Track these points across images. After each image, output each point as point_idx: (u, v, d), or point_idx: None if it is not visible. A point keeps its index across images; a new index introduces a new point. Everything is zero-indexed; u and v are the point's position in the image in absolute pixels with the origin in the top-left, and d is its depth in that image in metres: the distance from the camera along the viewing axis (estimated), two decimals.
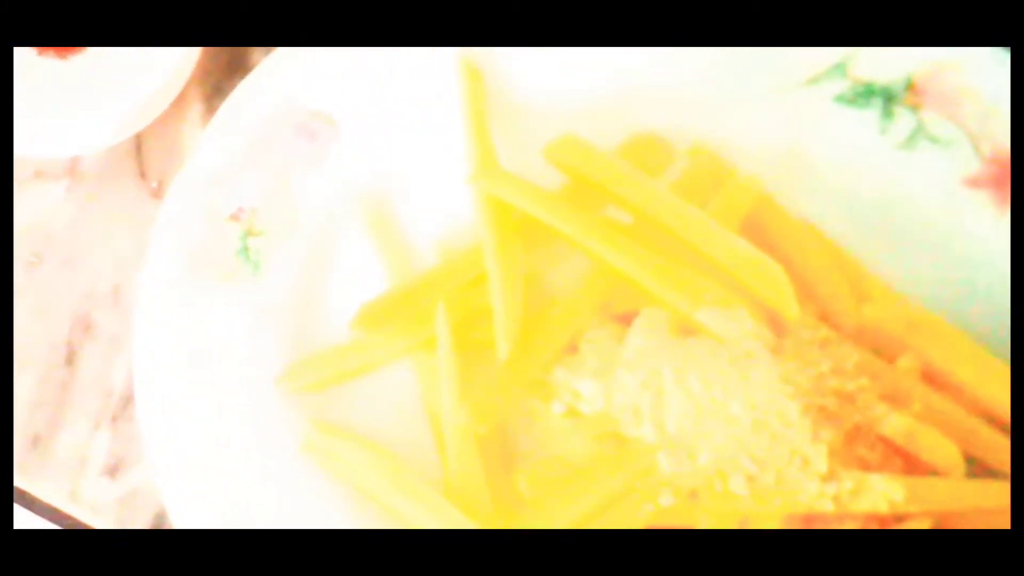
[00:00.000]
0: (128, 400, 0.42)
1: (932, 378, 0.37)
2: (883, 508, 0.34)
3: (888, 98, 0.39)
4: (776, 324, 0.37)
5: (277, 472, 0.38)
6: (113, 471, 0.42)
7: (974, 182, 0.38)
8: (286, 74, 0.41)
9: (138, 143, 0.44)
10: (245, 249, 0.40)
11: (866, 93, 0.39)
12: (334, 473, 0.39)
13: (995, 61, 0.37)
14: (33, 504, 0.42)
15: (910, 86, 0.38)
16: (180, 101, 0.44)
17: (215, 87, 0.45)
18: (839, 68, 0.39)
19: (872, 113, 0.39)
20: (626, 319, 0.37)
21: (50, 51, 0.41)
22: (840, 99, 0.39)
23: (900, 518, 0.34)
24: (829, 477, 0.34)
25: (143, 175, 0.44)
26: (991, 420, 0.36)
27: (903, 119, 0.39)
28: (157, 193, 0.44)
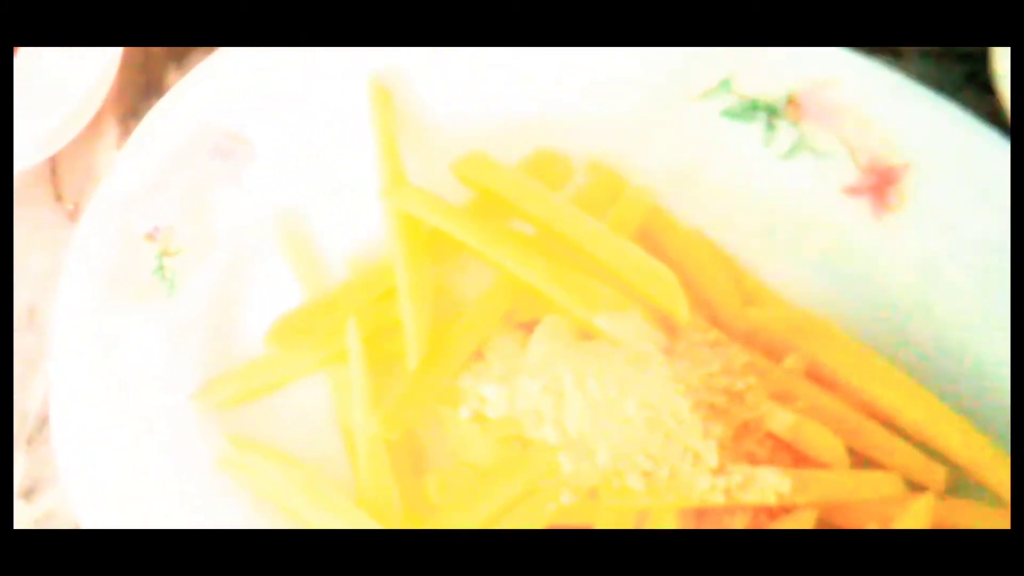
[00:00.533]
0: (44, 422, 0.42)
1: (817, 376, 0.38)
2: (771, 500, 0.35)
3: (771, 112, 0.41)
4: (669, 327, 0.38)
5: (194, 490, 0.39)
6: (29, 494, 0.42)
7: (853, 190, 0.40)
8: (201, 96, 0.41)
9: (53, 166, 0.45)
10: (161, 268, 0.41)
11: (751, 107, 0.41)
12: (251, 487, 0.39)
13: (872, 76, 0.39)
14: None
15: (791, 100, 0.40)
16: (95, 124, 0.44)
17: (130, 109, 0.45)
18: (725, 84, 0.40)
19: (757, 126, 0.41)
20: (529, 327, 0.38)
21: None
22: (727, 113, 0.41)
23: (788, 509, 0.36)
24: (720, 471, 0.35)
25: (59, 198, 0.45)
26: (873, 415, 0.38)
27: (785, 132, 0.40)
28: (73, 215, 0.44)
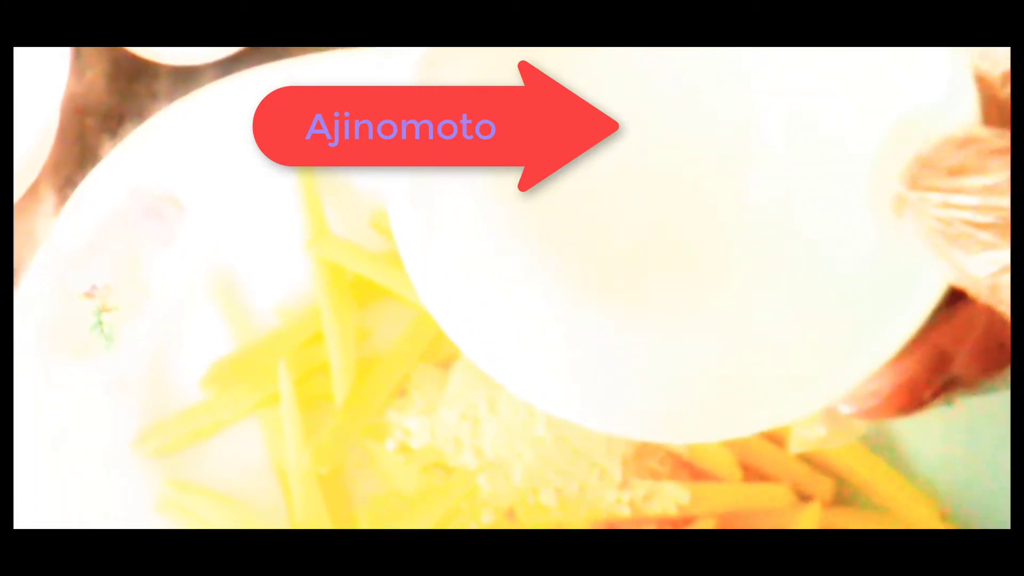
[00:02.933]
0: None
1: None
2: (672, 511, 0.38)
3: None
4: None
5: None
6: None
7: None
8: (133, 161, 0.44)
9: None
10: (100, 324, 0.43)
11: None
12: (190, 527, 0.41)
13: None
14: None
15: None
16: (33, 193, 0.46)
17: (67, 179, 0.47)
18: None
19: None
20: (446, 363, 0.41)
21: None
22: None
23: (688, 519, 0.39)
24: (624, 485, 0.38)
25: None
26: (762, 432, 0.41)
27: None
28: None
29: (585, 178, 0.29)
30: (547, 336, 0.30)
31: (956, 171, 0.24)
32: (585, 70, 0.29)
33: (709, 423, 0.28)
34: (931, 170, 0.25)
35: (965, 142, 0.25)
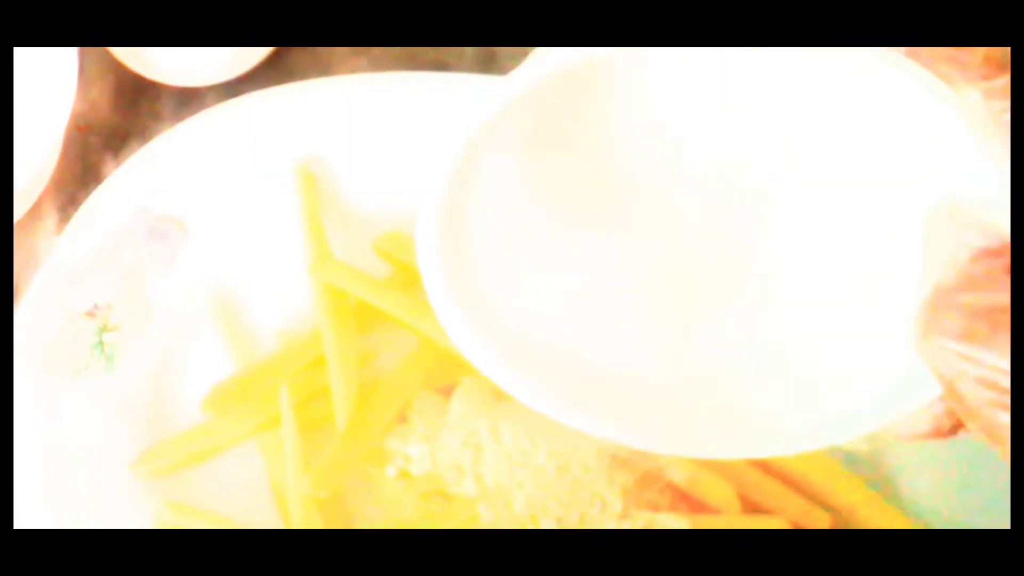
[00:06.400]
0: None
1: None
2: None
3: None
4: None
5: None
6: None
7: None
8: (137, 182, 0.44)
9: None
10: (100, 344, 0.43)
11: None
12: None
13: None
14: None
15: None
16: (35, 211, 0.46)
17: (69, 197, 0.47)
18: None
19: None
20: (447, 390, 0.41)
21: None
22: None
23: None
24: (624, 516, 0.39)
25: None
26: (758, 464, 0.41)
27: None
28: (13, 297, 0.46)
29: (611, 187, 0.29)
30: (564, 345, 0.30)
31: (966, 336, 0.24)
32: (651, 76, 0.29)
33: (732, 438, 0.29)
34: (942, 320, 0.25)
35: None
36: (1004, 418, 0.24)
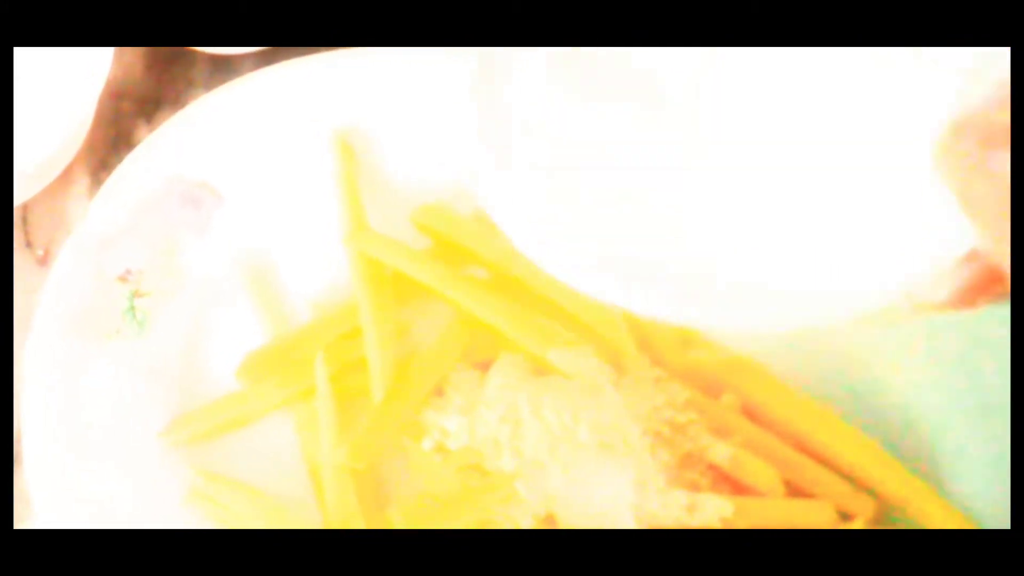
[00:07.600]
0: (17, 460, 0.42)
1: (751, 413, 0.40)
2: (716, 523, 0.38)
3: None
4: (616, 363, 0.40)
5: (163, 524, 0.39)
6: None
7: None
8: (171, 147, 0.43)
9: (24, 213, 0.46)
10: (132, 309, 0.43)
11: None
12: (218, 521, 0.40)
13: None
14: None
15: None
16: (67, 175, 0.46)
17: (101, 162, 0.47)
18: None
19: None
20: (485, 366, 0.41)
21: None
22: None
23: None
24: (664, 493, 0.38)
25: (29, 244, 0.46)
26: (802, 448, 0.40)
27: None
28: (43, 261, 0.46)
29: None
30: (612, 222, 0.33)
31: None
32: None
33: (772, 311, 0.32)
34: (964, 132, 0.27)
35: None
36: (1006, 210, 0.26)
